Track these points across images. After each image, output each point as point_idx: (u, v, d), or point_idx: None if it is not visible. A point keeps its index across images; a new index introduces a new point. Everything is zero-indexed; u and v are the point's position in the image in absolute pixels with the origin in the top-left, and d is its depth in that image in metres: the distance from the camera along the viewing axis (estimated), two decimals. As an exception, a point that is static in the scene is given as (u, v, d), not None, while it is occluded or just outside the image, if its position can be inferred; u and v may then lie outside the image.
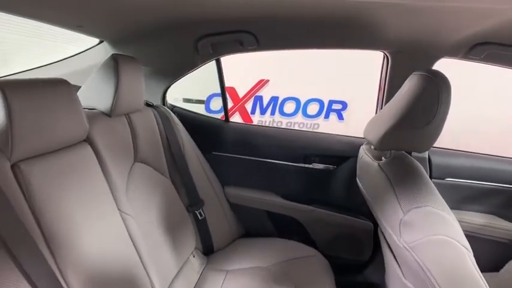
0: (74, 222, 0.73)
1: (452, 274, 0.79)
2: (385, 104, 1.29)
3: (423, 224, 0.81)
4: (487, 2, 0.82)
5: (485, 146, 1.69)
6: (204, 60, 1.35)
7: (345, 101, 3.56)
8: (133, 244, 0.90)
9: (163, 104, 1.49)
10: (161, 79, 1.42)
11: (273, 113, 3.72)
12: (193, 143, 1.43)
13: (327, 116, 3.65)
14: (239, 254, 1.39)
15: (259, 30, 1.23)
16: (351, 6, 0.98)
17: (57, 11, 0.95)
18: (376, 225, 1.41)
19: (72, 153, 0.80)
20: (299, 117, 3.69)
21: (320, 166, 1.47)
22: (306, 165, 1.48)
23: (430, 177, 1.37)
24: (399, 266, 1.00)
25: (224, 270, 1.29)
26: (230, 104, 3.57)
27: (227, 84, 3.82)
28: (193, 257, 1.30)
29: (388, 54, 1.30)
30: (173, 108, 1.53)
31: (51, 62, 1.34)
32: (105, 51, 1.33)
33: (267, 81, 3.65)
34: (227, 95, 3.62)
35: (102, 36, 1.27)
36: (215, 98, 3.48)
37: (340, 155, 1.45)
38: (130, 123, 1.10)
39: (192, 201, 1.34)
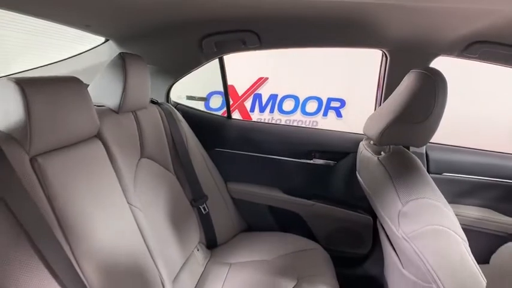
0: (87, 213, 0.76)
1: (449, 262, 0.83)
2: (384, 100, 1.32)
3: (421, 215, 0.84)
4: (482, 3, 0.85)
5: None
6: (208, 58, 1.39)
7: (343, 98, 3.59)
8: (142, 236, 0.94)
9: (167, 101, 1.52)
10: (165, 77, 1.45)
11: (272, 111, 3.75)
12: (197, 139, 1.46)
13: (325, 114, 3.68)
14: (242, 247, 1.43)
15: (261, 30, 1.26)
16: (351, 6, 1.01)
17: (66, 10, 0.98)
18: (375, 219, 1.45)
19: (84, 148, 0.83)
20: (298, 115, 3.71)
21: (320, 162, 1.51)
22: (307, 161, 1.52)
23: (428, 172, 1.41)
24: (398, 256, 1.04)
25: (228, 263, 1.32)
26: (230, 102, 3.59)
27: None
28: (198, 250, 1.34)
29: (386, 53, 1.34)
30: (177, 105, 1.57)
31: (57, 60, 1.37)
32: (111, 49, 1.35)
33: (266, 79, 3.68)
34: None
35: (108, 35, 1.30)
36: (215, 95, 3.50)
37: (340, 150, 1.48)
38: (137, 119, 1.13)
39: (196, 196, 1.37)
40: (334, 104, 3.63)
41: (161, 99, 1.47)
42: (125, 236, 0.87)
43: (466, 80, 2.71)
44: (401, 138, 0.98)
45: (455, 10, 0.96)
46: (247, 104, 3.73)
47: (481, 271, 0.82)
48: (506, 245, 0.55)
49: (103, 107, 1.02)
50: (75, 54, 1.37)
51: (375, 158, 1.04)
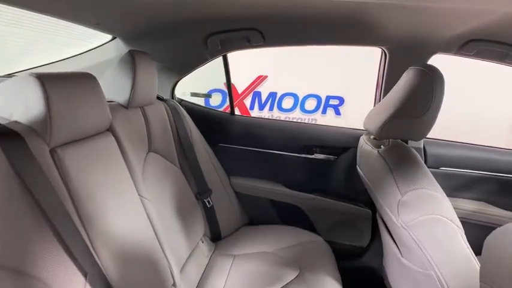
0: (101, 202, 0.80)
1: (445, 249, 0.88)
2: (384, 96, 1.36)
3: (419, 205, 0.89)
4: (477, 3, 0.90)
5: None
6: (212, 56, 1.42)
7: (342, 96, 3.63)
8: (152, 226, 0.97)
9: (172, 98, 1.56)
10: (171, 74, 1.49)
11: (271, 109, 3.78)
12: (201, 135, 1.50)
13: (324, 112, 3.72)
14: (245, 240, 1.47)
15: (265, 28, 1.30)
16: (352, 5, 1.05)
17: (78, 9, 1.02)
18: (374, 212, 1.50)
19: (97, 141, 0.86)
20: (297, 113, 3.75)
21: (321, 156, 1.55)
22: (308, 156, 1.56)
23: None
24: (397, 245, 1.08)
25: (231, 255, 1.36)
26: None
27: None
28: (202, 242, 1.38)
29: (386, 50, 1.38)
30: (181, 101, 1.60)
31: (65, 57, 1.40)
32: (118, 47, 1.39)
33: (266, 77, 3.71)
34: (226, 91, 3.68)
35: (116, 33, 1.33)
36: (214, 93, 3.53)
37: (340, 146, 1.53)
38: (144, 115, 1.17)
39: (201, 190, 1.41)
40: (332, 102, 3.67)
41: (166, 95, 1.51)
42: (136, 225, 0.91)
43: (465, 77, 2.76)
44: (401, 132, 1.02)
45: (452, 10, 1.00)
46: (247, 102, 3.77)
47: (475, 257, 0.86)
48: (497, 229, 0.59)
49: (113, 103, 1.06)
50: (82, 51, 1.40)
51: (375, 151, 1.08)
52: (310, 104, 3.71)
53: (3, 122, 0.67)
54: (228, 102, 3.82)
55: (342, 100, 3.64)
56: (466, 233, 0.88)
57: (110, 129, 0.94)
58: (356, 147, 1.36)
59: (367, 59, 1.97)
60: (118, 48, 1.39)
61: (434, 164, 1.45)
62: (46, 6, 0.97)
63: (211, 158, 1.51)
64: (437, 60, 1.29)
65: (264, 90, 3.73)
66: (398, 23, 1.18)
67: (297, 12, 1.16)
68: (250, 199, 1.61)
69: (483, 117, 3.18)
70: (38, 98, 0.68)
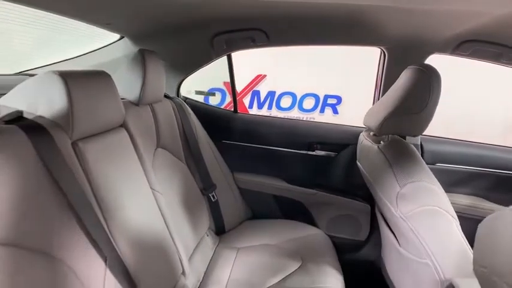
0: (118, 193, 0.85)
1: (441, 239, 0.93)
2: (382, 94, 1.42)
3: (417, 196, 0.94)
4: (472, 5, 0.95)
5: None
6: (218, 55, 1.47)
7: (340, 95, 3.68)
8: (163, 217, 1.02)
9: (178, 96, 1.60)
10: (176, 73, 1.53)
11: (270, 107, 3.83)
12: (205, 132, 1.55)
13: (322, 111, 3.77)
14: (248, 233, 1.51)
15: (269, 28, 1.35)
16: (353, 7, 1.11)
17: (90, 9, 1.06)
18: (372, 206, 1.55)
19: (113, 136, 0.91)
20: (295, 112, 3.80)
21: (322, 153, 1.61)
22: (309, 152, 1.61)
23: (422, 162, 1.51)
24: (395, 236, 1.13)
25: (235, 248, 1.41)
26: (228, 99, 3.67)
27: (225, 79, 3.89)
28: (207, 235, 1.42)
29: (385, 50, 1.43)
30: (186, 99, 1.65)
31: (74, 56, 1.44)
32: (126, 46, 1.43)
33: (264, 76, 3.75)
34: (225, 90, 3.72)
35: (125, 32, 1.37)
36: (213, 92, 3.57)
37: (341, 142, 1.58)
38: (153, 112, 1.21)
39: (206, 185, 1.46)
40: (330, 101, 3.72)
41: (172, 94, 1.55)
42: (149, 216, 0.96)
43: (459, 78, 2.82)
44: (399, 128, 1.08)
45: (448, 12, 1.06)
46: (246, 101, 3.81)
47: (469, 246, 0.92)
48: (488, 216, 0.63)
49: (124, 100, 1.10)
50: (91, 50, 1.44)
51: (375, 146, 1.13)
52: (309, 103, 3.77)
53: (29, 117, 0.71)
54: (227, 101, 3.87)
55: (339, 99, 3.69)
56: (460, 227, 0.93)
57: (123, 125, 0.98)
58: (355, 144, 1.42)
59: (365, 59, 2.03)
60: (126, 47, 1.43)
61: (430, 160, 1.51)
62: (59, 6, 1.01)
63: (215, 154, 1.56)
64: (433, 61, 1.35)
65: (263, 89, 3.78)
66: (397, 24, 1.23)
67: (300, 13, 1.22)
68: (253, 194, 1.66)
69: (477, 119, 3.25)
70: (61, 94, 0.72)
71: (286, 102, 3.80)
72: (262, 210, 1.68)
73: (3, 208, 0.56)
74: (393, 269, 1.23)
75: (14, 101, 0.75)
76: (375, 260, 1.52)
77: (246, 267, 1.28)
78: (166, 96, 1.41)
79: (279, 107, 3.83)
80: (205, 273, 1.26)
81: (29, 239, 0.60)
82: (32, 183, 0.63)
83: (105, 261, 0.74)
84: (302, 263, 1.27)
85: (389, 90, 1.13)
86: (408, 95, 1.03)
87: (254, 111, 3.76)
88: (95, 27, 1.26)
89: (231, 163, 1.63)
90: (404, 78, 1.07)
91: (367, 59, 1.80)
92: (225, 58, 1.58)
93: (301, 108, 3.80)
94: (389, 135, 1.14)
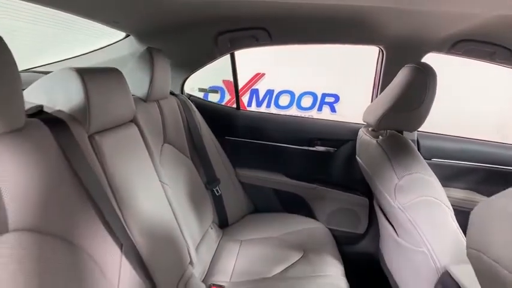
0: (131, 185, 0.89)
1: (437, 228, 0.98)
2: (381, 92, 1.47)
3: (414, 188, 0.99)
4: (466, 7, 1.00)
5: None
6: (222, 53, 1.52)
7: (337, 94, 3.73)
8: (172, 209, 1.06)
9: (182, 93, 1.64)
10: (181, 70, 1.58)
11: (268, 106, 3.86)
12: (209, 128, 1.59)
13: (320, 109, 3.81)
14: (251, 226, 1.56)
15: (272, 28, 1.40)
16: (353, 8, 1.16)
17: (100, 8, 1.10)
18: (371, 200, 1.60)
19: (125, 130, 0.95)
20: (293, 110, 3.83)
21: (322, 149, 1.65)
22: (309, 148, 1.66)
23: (418, 157, 1.56)
24: (393, 227, 1.19)
25: (239, 240, 1.45)
26: (227, 97, 3.71)
27: (224, 77, 3.92)
28: (211, 229, 1.47)
29: (383, 49, 1.48)
30: (190, 97, 1.69)
31: (80, 54, 1.47)
32: (131, 45, 1.47)
33: (263, 74, 3.78)
34: (224, 88, 3.75)
35: (131, 31, 1.41)
36: (216, 89, 3.60)
37: (340, 138, 1.63)
38: (160, 108, 1.25)
39: (210, 179, 1.50)
40: (328, 99, 3.76)
41: (176, 91, 1.59)
42: (159, 207, 1.00)
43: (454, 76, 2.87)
44: (397, 124, 1.13)
45: (443, 13, 1.11)
46: (245, 99, 3.84)
47: (463, 234, 0.97)
48: (480, 202, 0.67)
49: (133, 96, 1.14)
50: (97, 48, 1.48)
51: (374, 141, 1.18)
52: (307, 101, 3.80)
53: (49, 111, 0.75)
54: (226, 99, 3.89)
55: (337, 98, 3.73)
56: None
57: (133, 120, 1.02)
58: (354, 140, 1.47)
59: (362, 59, 2.07)
60: (131, 45, 1.47)
61: (426, 155, 1.56)
62: (68, 4, 1.04)
63: (218, 150, 1.60)
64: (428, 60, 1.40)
65: (262, 87, 3.81)
66: (395, 24, 1.28)
67: (301, 13, 1.26)
68: (255, 189, 1.70)
69: (468, 117, 3.29)
70: (78, 89, 0.76)
71: (284, 100, 3.83)
72: (263, 204, 1.73)
73: (29, 197, 0.60)
74: (391, 259, 1.28)
75: (34, 96, 0.79)
76: (373, 252, 1.57)
77: (250, 258, 1.32)
78: (171, 93, 1.45)
79: (277, 105, 3.86)
80: (210, 264, 1.30)
81: (52, 227, 0.64)
82: (54, 174, 0.67)
83: (121, 248, 0.78)
84: (304, 253, 1.32)
85: (387, 88, 1.18)
86: (405, 92, 1.08)
87: (253, 109, 3.79)
88: (99, 25, 1.30)
89: (233, 159, 1.67)
90: (402, 76, 1.12)
91: (364, 59, 1.85)
92: (224, 57, 1.62)
93: (299, 107, 3.83)
94: (388, 131, 1.19)
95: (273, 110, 3.83)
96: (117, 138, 0.90)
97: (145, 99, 1.16)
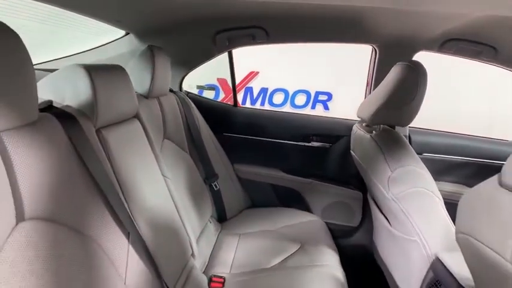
0: (136, 178, 0.92)
1: (428, 217, 1.03)
2: (374, 88, 1.52)
3: (406, 179, 1.04)
4: (455, 7, 1.05)
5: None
6: (219, 51, 1.55)
7: (330, 92, 3.78)
8: (174, 202, 1.10)
9: (180, 90, 1.67)
10: (179, 68, 1.61)
11: (262, 104, 3.90)
12: (207, 125, 1.62)
13: (313, 107, 3.86)
14: (249, 220, 1.60)
15: (269, 26, 1.44)
16: (347, 8, 1.20)
17: (102, 6, 1.12)
18: (364, 194, 1.65)
19: (129, 126, 0.97)
20: (287, 108, 3.88)
21: (317, 144, 1.70)
22: (305, 144, 1.71)
23: (410, 152, 1.62)
24: (386, 218, 1.24)
25: (237, 234, 1.49)
26: (222, 95, 3.73)
27: (219, 76, 3.94)
28: (210, 223, 1.50)
29: (376, 48, 1.53)
30: (188, 94, 1.72)
31: (80, 51, 1.49)
32: (131, 42, 1.49)
33: (257, 73, 3.82)
34: (218, 86, 3.77)
35: (131, 29, 1.44)
36: (212, 87, 3.63)
37: (335, 134, 1.68)
38: (160, 105, 1.28)
39: (208, 174, 1.54)
40: (321, 98, 3.81)
41: (175, 88, 1.62)
42: (162, 200, 1.03)
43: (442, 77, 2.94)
44: (390, 118, 1.18)
45: (433, 13, 1.16)
46: (239, 97, 3.87)
47: (452, 223, 1.02)
48: (468, 192, 0.72)
49: (136, 92, 1.17)
50: (97, 46, 1.50)
51: (368, 135, 1.23)
52: (300, 99, 3.85)
53: (58, 106, 0.78)
54: (220, 97, 3.92)
55: (330, 96, 3.79)
56: None
57: (136, 116, 1.05)
58: (348, 136, 1.51)
59: (355, 58, 2.12)
60: (131, 43, 1.49)
61: (418, 150, 1.60)
62: (72, 2, 1.06)
63: (216, 146, 1.64)
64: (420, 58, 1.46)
65: (256, 85, 3.85)
66: (387, 23, 1.33)
67: (297, 12, 1.30)
68: (252, 184, 1.74)
69: (462, 116, 3.37)
70: (86, 85, 0.79)
71: (278, 98, 3.87)
72: (261, 198, 1.77)
73: (43, 188, 0.62)
74: (384, 249, 1.33)
75: (42, 92, 0.81)
76: (367, 244, 1.63)
77: (249, 251, 1.36)
78: (170, 90, 1.48)
79: (271, 103, 3.90)
80: (210, 256, 1.34)
81: (64, 217, 0.66)
82: (65, 167, 0.70)
83: (128, 238, 0.82)
84: (301, 245, 1.37)
85: (380, 85, 1.22)
86: (398, 88, 1.13)
87: (248, 106, 3.83)
88: (97, 23, 1.31)
89: (231, 155, 1.71)
90: (394, 73, 1.17)
91: (357, 58, 1.90)
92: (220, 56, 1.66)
93: (293, 105, 3.88)
94: (381, 125, 1.24)
95: (267, 108, 3.87)
96: (121, 133, 0.92)
97: (146, 96, 1.19)
